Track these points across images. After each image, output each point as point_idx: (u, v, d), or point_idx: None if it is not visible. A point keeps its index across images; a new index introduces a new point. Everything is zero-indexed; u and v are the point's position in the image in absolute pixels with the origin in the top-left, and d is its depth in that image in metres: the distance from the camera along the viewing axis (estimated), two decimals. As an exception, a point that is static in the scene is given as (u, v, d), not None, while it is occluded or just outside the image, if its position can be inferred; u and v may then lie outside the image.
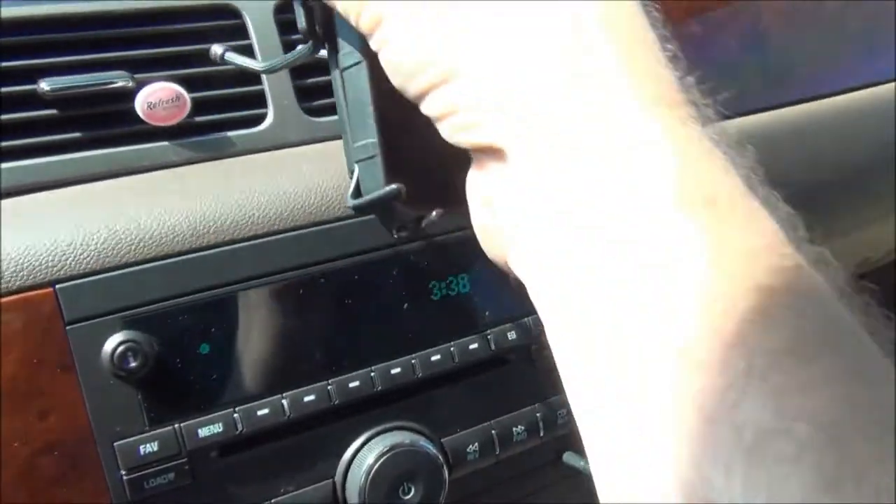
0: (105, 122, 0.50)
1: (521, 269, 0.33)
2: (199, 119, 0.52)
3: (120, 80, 0.50)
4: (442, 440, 0.53)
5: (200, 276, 0.47)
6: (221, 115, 0.53)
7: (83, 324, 0.44)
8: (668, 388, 0.26)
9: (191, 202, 0.48)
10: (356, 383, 0.50)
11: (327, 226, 0.50)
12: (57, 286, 0.44)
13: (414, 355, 0.52)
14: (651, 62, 0.31)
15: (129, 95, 0.50)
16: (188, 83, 0.51)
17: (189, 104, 0.51)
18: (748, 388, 0.25)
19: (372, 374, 0.51)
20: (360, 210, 0.41)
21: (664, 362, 0.26)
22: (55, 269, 0.44)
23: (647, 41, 0.31)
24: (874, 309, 0.29)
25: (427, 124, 0.34)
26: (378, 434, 0.51)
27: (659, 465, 0.26)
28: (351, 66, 0.39)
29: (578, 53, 0.30)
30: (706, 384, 0.25)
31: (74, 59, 0.50)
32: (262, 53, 0.55)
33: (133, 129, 0.51)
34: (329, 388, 0.49)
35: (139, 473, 0.45)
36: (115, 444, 0.45)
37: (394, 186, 0.38)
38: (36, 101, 0.49)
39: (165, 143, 0.51)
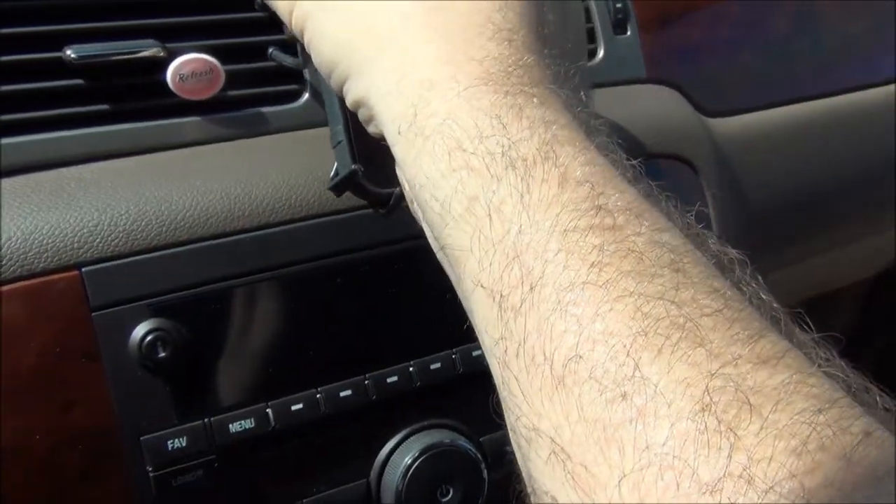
0: (134, 95, 0.47)
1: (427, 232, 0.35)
2: (232, 93, 0.49)
3: (150, 49, 0.46)
4: (481, 439, 0.50)
5: (234, 261, 0.44)
6: (257, 90, 0.50)
7: (110, 310, 0.42)
8: None
9: (224, 183, 0.45)
10: (394, 378, 0.47)
11: (370, 210, 0.47)
12: (83, 269, 0.41)
13: (454, 350, 0.49)
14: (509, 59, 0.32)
15: (159, 66, 0.47)
16: (222, 54, 0.48)
17: (223, 77, 0.48)
18: None
19: (411, 369, 0.48)
20: (334, 190, 0.43)
21: None
22: (81, 251, 0.42)
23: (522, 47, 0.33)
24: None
25: None
26: (415, 432, 0.48)
27: None
28: None
29: (461, 63, 0.32)
30: None
31: (103, 26, 0.46)
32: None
33: (163, 103, 0.48)
34: (366, 382, 0.47)
35: (167, 470, 0.43)
36: (141, 438, 0.42)
37: (353, 167, 0.41)
38: (61, 69, 0.45)
39: (197, 118, 0.48)
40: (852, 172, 0.76)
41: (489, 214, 0.29)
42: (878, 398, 0.26)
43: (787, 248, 0.75)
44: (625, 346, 0.25)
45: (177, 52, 0.47)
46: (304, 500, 0.46)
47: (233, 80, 0.49)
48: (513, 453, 0.49)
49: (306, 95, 0.51)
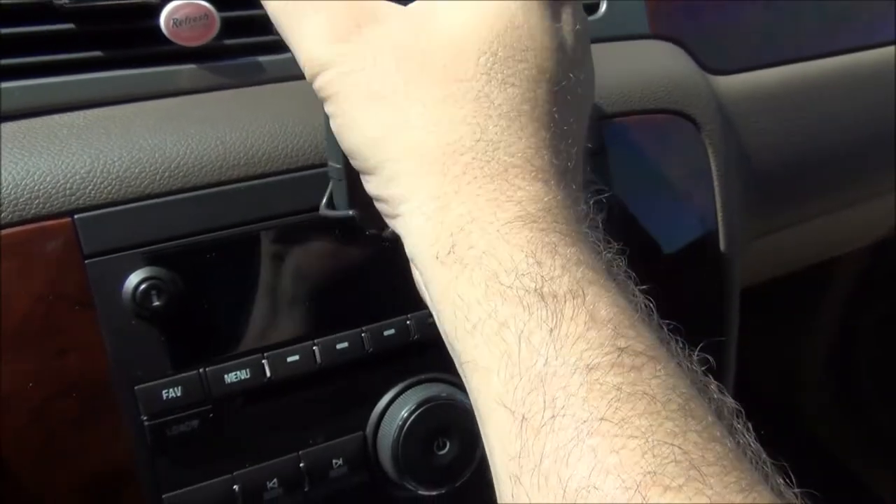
0: (127, 40, 0.46)
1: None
2: (228, 41, 0.48)
3: (144, -6, 0.45)
4: (478, 394, 0.50)
5: (229, 210, 0.44)
6: (253, 38, 0.49)
7: (103, 258, 0.41)
8: None
9: (220, 131, 0.45)
10: (391, 331, 0.47)
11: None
12: (75, 216, 0.41)
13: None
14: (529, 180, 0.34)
15: (153, 11, 0.46)
16: (217, 1, 0.47)
17: (218, 23, 0.47)
18: None
19: (408, 321, 0.47)
20: (325, 218, 0.44)
21: None
22: (73, 197, 0.41)
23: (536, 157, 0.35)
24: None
25: None
26: (412, 385, 0.48)
27: None
28: None
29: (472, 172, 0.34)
30: None
31: (95, -30, 0.45)
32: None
33: (157, 50, 0.47)
34: (363, 335, 0.46)
35: (161, 419, 0.42)
36: (136, 387, 0.42)
37: (350, 213, 0.42)
38: (52, 14, 0.44)
39: (192, 65, 0.47)
40: (857, 133, 0.75)
41: (519, 342, 0.31)
42: None
43: (788, 207, 0.74)
44: (635, 482, 0.27)
45: (171, -4, 0.46)
46: (300, 452, 0.46)
47: (228, 27, 0.48)
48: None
49: (303, 45, 0.50)
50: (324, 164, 0.46)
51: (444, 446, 0.47)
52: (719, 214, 0.60)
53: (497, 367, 0.31)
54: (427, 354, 0.48)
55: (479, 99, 0.35)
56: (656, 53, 0.61)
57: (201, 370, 0.43)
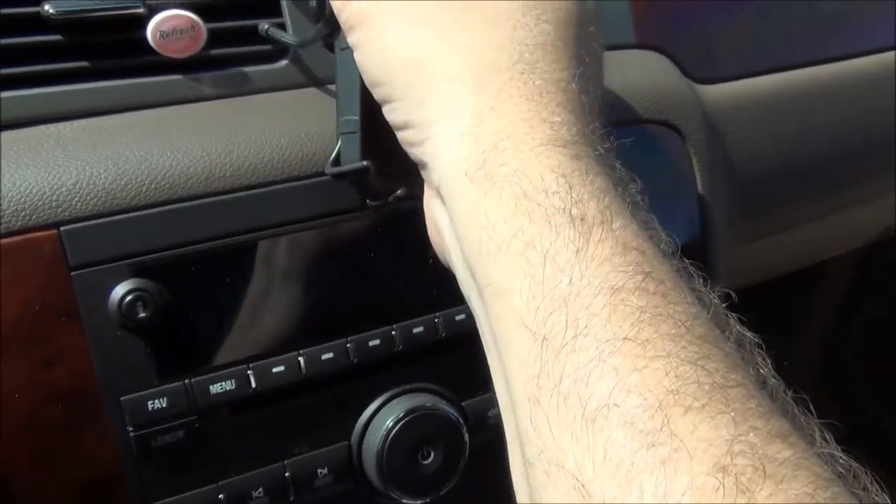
0: (114, 52, 0.46)
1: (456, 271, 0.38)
2: (215, 52, 0.48)
3: (131, 4, 0.45)
4: (463, 403, 0.50)
5: (215, 222, 0.44)
6: (239, 49, 0.49)
7: (89, 269, 0.41)
8: None
9: (205, 142, 0.45)
10: (376, 342, 0.47)
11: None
12: (61, 228, 0.41)
13: (437, 314, 0.49)
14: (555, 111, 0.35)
15: (140, 23, 0.46)
16: (204, 12, 0.47)
17: (205, 35, 0.47)
18: None
19: (393, 332, 0.48)
20: (335, 177, 0.45)
21: None
22: (59, 209, 0.41)
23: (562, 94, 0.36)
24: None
25: None
26: (397, 395, 0.48)
27: None
28: (346, 48, 0.41)
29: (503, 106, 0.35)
30: None
31: (82, -19, 0.46)
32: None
33: (144, 61, 0.47)
34: (348, 345, 0.47)
35: (147, 430, 0.42)
36: (122, 398, 0.42)
37: (365, 163, 0.42)
38: (39, 25, 0.44)
39: (179, 76, 0.48)
40: (842, 141, 0.76)
41: (544, 262, 0.31)
42: (868, 485, 0.29)
43: (774, 215, 0.75)
44: (657, 401, 0.27)
45: (158, 7, 0.46)
46: (286, 462, 0.46)
47: (215, 38, 0.48)
48: (494, 420, 0.50)
49: (290, 55, 0.50)
50: (310, 176, 0.46)
51: (429, 456, 0.48)
52: (704, 222, 0.60)
53: (520, 287, 0.31)
54: (412, 364, 0.49)
55: (516, 28, 0.36)
56: (642, 63, 0.61)
57: (187, 381, 0.43)
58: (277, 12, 0.50)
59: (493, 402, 0.51)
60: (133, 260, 0.42)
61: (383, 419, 0.47)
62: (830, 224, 0.85)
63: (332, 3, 0.40)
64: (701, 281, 0.34)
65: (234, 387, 0.44)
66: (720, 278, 0.64)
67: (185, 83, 0.48)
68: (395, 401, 0.48)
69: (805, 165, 0.73)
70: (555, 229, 0.31)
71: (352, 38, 0.39)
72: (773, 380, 0.32)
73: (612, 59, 0.61)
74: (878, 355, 1.29)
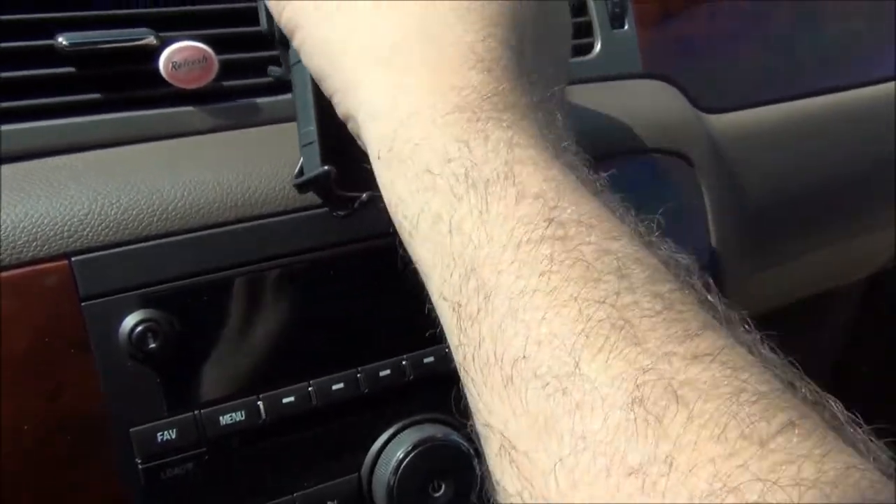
0: (126, 83, 0.47)
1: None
2: (227, 83, 0.49)
3: (143, 37, 0.46)
4: (474, 434, 0.50)
5: (226, 252, 0.44)
6: (251, 80, 0.50)
7: (100, 300, 0.41)
8: None
9: (217, 172, 0.45)
10: (387, 371, 0.47)
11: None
12: (72, 258, 0.41)
13: (447, 344, 0.48)
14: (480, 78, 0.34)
15: (152, 54, 0.46)
16: (216, 44, 0.48)
17: (217, 66, 0.47)
18: None
19: (404, 362, 0.47)
20: (299, 189, 0.44)
21: None
22: (70, 239, 0.41)
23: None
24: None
25: None
26: (408, 426, 0.48)
27: None
28: (297, 63, 0.42)
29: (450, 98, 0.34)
30: None
31: (95, 14, 0.46)
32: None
33: (156, 92, 0.47)
34: (358, 376, 0.46)
35: (156, 462, 0.42)
36: (130, 430, 0.42)
37: (325, 168, 0.42)
38: (53, 57, 0.45)
39: (190, 107, 0.48)
40: (850, 170, 0.76)
41: (450, 231, 0.31)
42: (807, 392, 0.28)
43: (782, 245, 0.75)
44: (566, 346, 0.27)
45: (170, 40, 0.47)
46: (295, 494, 0.46)
47: (227, 69, 0.48)
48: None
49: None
50: (319, 206, 0.46)
51: (440, 488, 0.47)
52: (713, 251, 0.60)
53: (434, 262, 0.32)
54: (422, 395, 0.48)
55: (426, 7, 0.36)
56: (650, 93, 0.62)
57: (196, 412, 0.43)
58: (287, 43, 0.50)
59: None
60: (143, 290, 0.42)
61: (394, 451, 0.47)
62: (837, 253, 0.85)
63: (272, 12, 0.40)
64: (629, 213, 0.33)
65: (243, 417, 0.44)
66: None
67: (196, 114, 0.48)
68: (405, 432, 0.48)
69: (814, 194, 0.73)
70: (457, 197, 0.31)
71: (295, 42, 0.39)
72: (711, 299, 0.31)
73: (621, 89, 0.61)
74: (888, 384, 1.28)
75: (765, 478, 0.23)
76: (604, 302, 0.27)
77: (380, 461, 0.47)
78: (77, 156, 0.45)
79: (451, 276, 0.31)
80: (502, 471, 0.28)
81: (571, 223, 0.29)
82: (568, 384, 0.26)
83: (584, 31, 0.61)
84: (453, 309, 0.31)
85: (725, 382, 0.25)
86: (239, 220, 0.44)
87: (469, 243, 0.30)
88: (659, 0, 0.65)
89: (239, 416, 0.44)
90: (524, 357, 0.28)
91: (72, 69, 0.45)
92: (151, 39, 0.46)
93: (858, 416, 0.27)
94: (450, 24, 0.35)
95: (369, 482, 0.47)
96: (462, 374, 0.31)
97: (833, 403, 0.27)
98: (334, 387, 0.46)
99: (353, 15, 0.37)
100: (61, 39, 0.44)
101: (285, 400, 0.45)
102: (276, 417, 0.44)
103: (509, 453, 0.28)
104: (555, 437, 0.26)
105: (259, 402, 0.44)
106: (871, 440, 0.26)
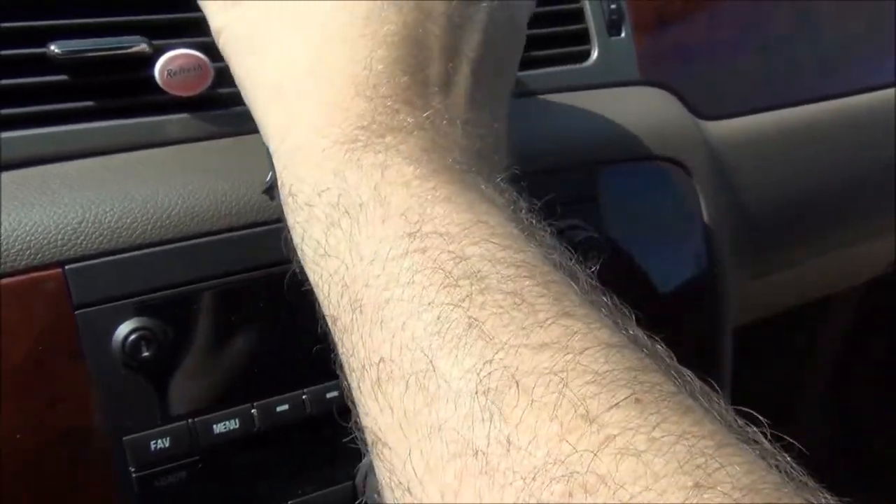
0: (120, 91, 0.47)
1: None
2: (222, 90, 0.48)
3: (137, 45, 0.46)
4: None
5: (220, 260, 0.44)
6: (245, 88, 0.49)
7: (93, 308, 0.41)
8: None
9: (212, 180, 0.45)
10: (381, 380, 0.47)
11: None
12: (66, 267, 0.41)
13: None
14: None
15: (147, 62, 0.46)
16: (211, 51, 0.47)
17: (212, 73, 0.47)
18: None
19: (399, 370, 0.47)
20: (266, 193, 0.45)
21: None
22: (64, 248, 0.41)
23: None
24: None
25: None
26: (403, 434, 0.48)
27: None
28: None
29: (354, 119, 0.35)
30: None
31: (89, 22, 0.46)
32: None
33: (151, 99, 0.47)
34: (353, 384, 0.46)
35: (149, 471, 0.42)
36: (124, 438, 0.42)
37: None
38: (45, 65, 0.45)
39: (185, 115, 0.48)
40: (848, 177, 0.76)
41: (327, 255, 0.34)
42: (675, 373, 0.30)
43: (781, 251, 0.74)
44: (423, 348, 0.29)
45: (164, 48, 0.46)
46: (290, 502, 0.45)
47: (222, 76, 0.48)
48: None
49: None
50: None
51: (435, 496, 0.47)
52: (710, 259, 0.60)
53: (318, 283, 0.34)
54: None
55: (321, 26, 0.37)
56: (647, 100, 0.62)
57: (190, 421, 0.43)
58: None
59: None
60: (137, 298, 0.42)
61: (388, 459, 0.47)
62: (839, 258, 0.85)
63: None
64: (510, 212, 0.34)
65: (237, 426, 0.44)
66: (729, 315, 0.63)
67: (191, 121, 0.48)
68: (400, 440, 0.47)
69: (812, 201, 0.73)
70: (333, 225, 0.33)
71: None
72: (581, 275, 0.33)
73: (618, 96, 0.61)
74: (886, 390, 1.28)
75: (594, 450, 0.25)
76: (459, 305, 0.29)
77: (374, 469, 0.47)
78: (71, 164, 0.45)
79: (330, 294, 0.33)
80: (377, 464, 0.31)
81: (432, 235, 0.32)
82: (425, 381, 0.29)
83: (580, 38, 0.61)
84: (333, 323, 0.33)
85: (567, 367, 0.27)
86: (233, 229, 0.44)
87: (342, 264, 0.33)
88: (656, 7, 0.65)
89: (233, 424, 0.44)
90: (390, 360, 0.30)
91: (65, 77, 0.45)
92: (144, 47, 0.46)
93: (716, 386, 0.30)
94: (338, 54, 0.36)
95: (364, 490, 0.47)
96: (344, 382, 0.34)
97: (692, 380, 0.30)
98: (329, 395, 0.46)
99: (264, 50, 0.38)
100: (54, 47, 0.44)
101: (279, 408, 0.45)
102: (270, 425, 0.44)
103: (380, 449, 0.30)
104: (414, 428, 0.29)
105: (253, 411, 0.44)
106: (727, 410, 0.29)
